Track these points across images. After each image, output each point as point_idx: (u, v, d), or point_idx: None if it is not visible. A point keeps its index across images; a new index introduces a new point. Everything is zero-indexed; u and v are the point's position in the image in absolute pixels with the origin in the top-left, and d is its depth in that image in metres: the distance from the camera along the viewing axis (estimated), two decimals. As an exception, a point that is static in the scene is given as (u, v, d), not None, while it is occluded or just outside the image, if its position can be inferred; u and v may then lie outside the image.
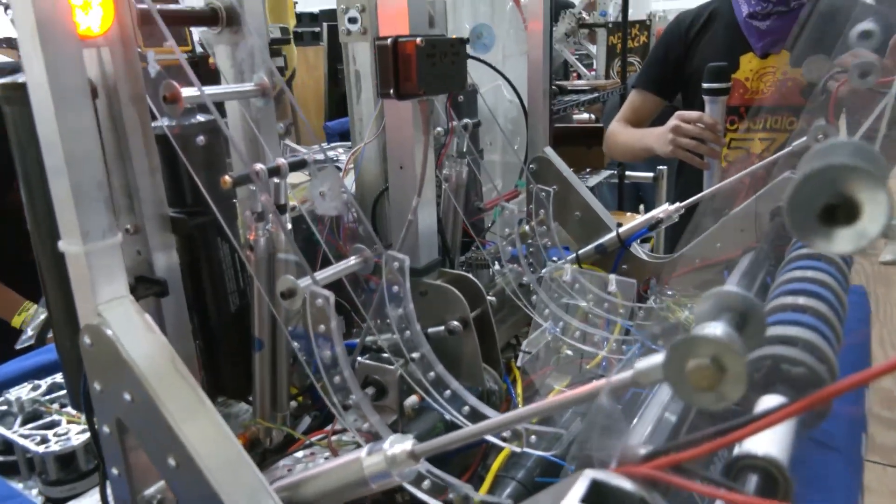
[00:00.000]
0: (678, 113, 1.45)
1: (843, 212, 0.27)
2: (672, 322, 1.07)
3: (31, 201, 0.68)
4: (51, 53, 0.50)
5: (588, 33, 4.08)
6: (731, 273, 1.08)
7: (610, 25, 3.86)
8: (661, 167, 3.07)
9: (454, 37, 0.89)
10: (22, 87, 0.65)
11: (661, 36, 1.86)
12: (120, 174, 0.73)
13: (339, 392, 0.71)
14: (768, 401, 0.45)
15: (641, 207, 3.63)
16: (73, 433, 0.83)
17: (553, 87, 3.19)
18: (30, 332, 1.03)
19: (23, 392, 0.89)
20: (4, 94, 0.64)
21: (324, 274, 0.74)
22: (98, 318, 0.55)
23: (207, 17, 0.79)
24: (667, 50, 1.76)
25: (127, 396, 0.55)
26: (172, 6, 0.78)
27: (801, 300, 0.58)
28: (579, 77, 3.98)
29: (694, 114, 1.43)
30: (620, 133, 1.82)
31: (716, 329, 0.33)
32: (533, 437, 0.74)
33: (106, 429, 0.59)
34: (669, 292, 1.13)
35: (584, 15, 3.93)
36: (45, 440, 0.82)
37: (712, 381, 0.32)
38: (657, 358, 0.35)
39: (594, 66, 4.02)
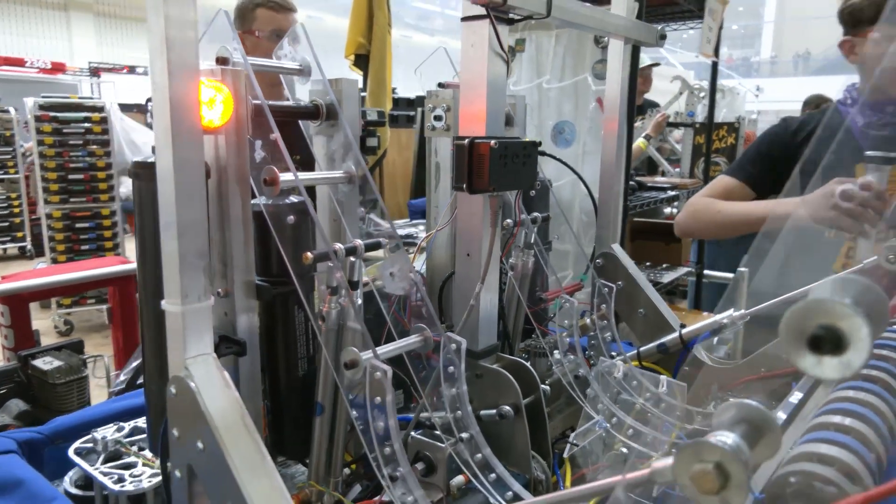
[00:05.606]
0: (840, 179, 1.36)
1: (829, 342, 0.30)
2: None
3: (142, 262, 0.78)
4: (179, 144, 0.60)
5: (674, 132, 4.14)
6: (798, 385, 1.05)
7: (697, 125, 3.90)
8: (742, 269, 2.99)
9: (528, 139, 0.96)
10: (148, 167, 0.76)
11: (765, 134, 1.80)
12: (219, 243, 0.82)
13: (389, 463, 0.75)
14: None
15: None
16: (145, 476, 0.90)
17: (633, 182, 3.24)
18: (122, 378, 1.13)
19: (108, 432, 0.98)
20: (135, 171, 0.75)
21: (385, 349, 0.79)
22: (185, 372, 0.63)
23: (310, 113, 0.90)
24: (772, 147, 1.74)
25: (199, 445, 0.62)
26: (281, 102, 0.90)
27: (847, 421, 0.58)
28: (663, 174, 4.01)
29: (863, 180, 1.35)
30: (723, 204, 1.70)
31: (724, 437, 0.36)
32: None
33: (178, 473, 0.65)
34: (731, 400, 1.11)
35: (668, 113, 3.99)
36: (121, 479, 0.89)
37: (716, 486, 0.34)
38: (671, 459, 0.38)
39: (679, 163, 4.04)
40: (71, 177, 5.54)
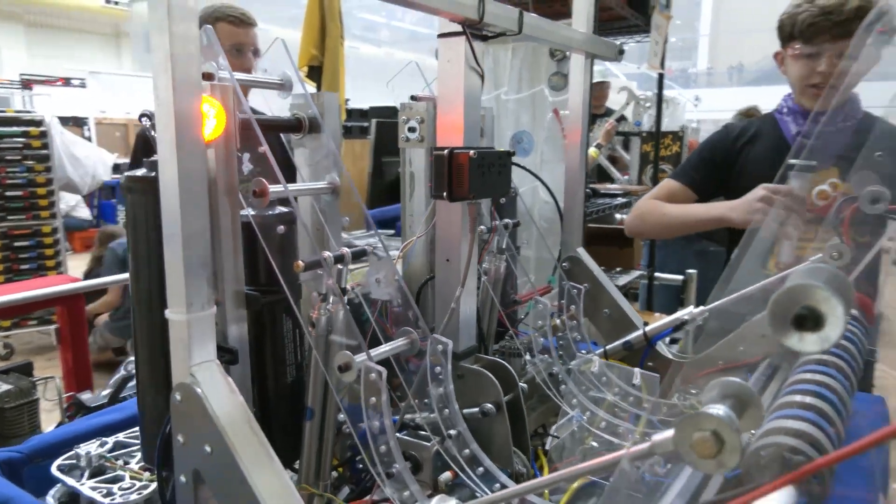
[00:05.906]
0: (766, 185, 1.48)
1: (811, 320, 0.36)
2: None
3: (136, 275, 0.79)
4: (183, 157, 0.62)
5: (623, 140, 4.29)
6: (753, 376, 1.13)
7: (644, 134, 4.06)
8: (690, 271, 3.13)
9: (502, 150, 1.01)
10: (141, 180, 0.78)
11: (707, 141, 1.93)
12: (210, 254, 0.84)
13: (384, 461, 0.78)
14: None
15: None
16: (134, 489, 0.90)
17: (587, 189, 3.34)
18: (104, 393, 1.12)
19: (91, 448, 0.97)
20: (128, 185, 0.76)
21: (376, 351, 0.83)
22: (190, 378, 0.65)
23: (293, 126, 0.93)
24: (714, 153, 1.86)
25: (207, 448, 0.64)
26: (265, 116, 0.92)
27: (808, 399, 0.64)
28: (613, 181, 4.15)
29: (784, 187, 1.45)
30: (667, 206, 1.82)
31: (718, 410, 0.41)
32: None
33: (182, 479, 0.67)
34: (693, 391, 1.18)
35: (617, 122, 4.14)
36: (109, 493, 0.89)
37: (713, 450, 0.39)
38: (670, 432, 0.43)
39: (628, 171, 4.20)
40: (8, 193, 5.33)
